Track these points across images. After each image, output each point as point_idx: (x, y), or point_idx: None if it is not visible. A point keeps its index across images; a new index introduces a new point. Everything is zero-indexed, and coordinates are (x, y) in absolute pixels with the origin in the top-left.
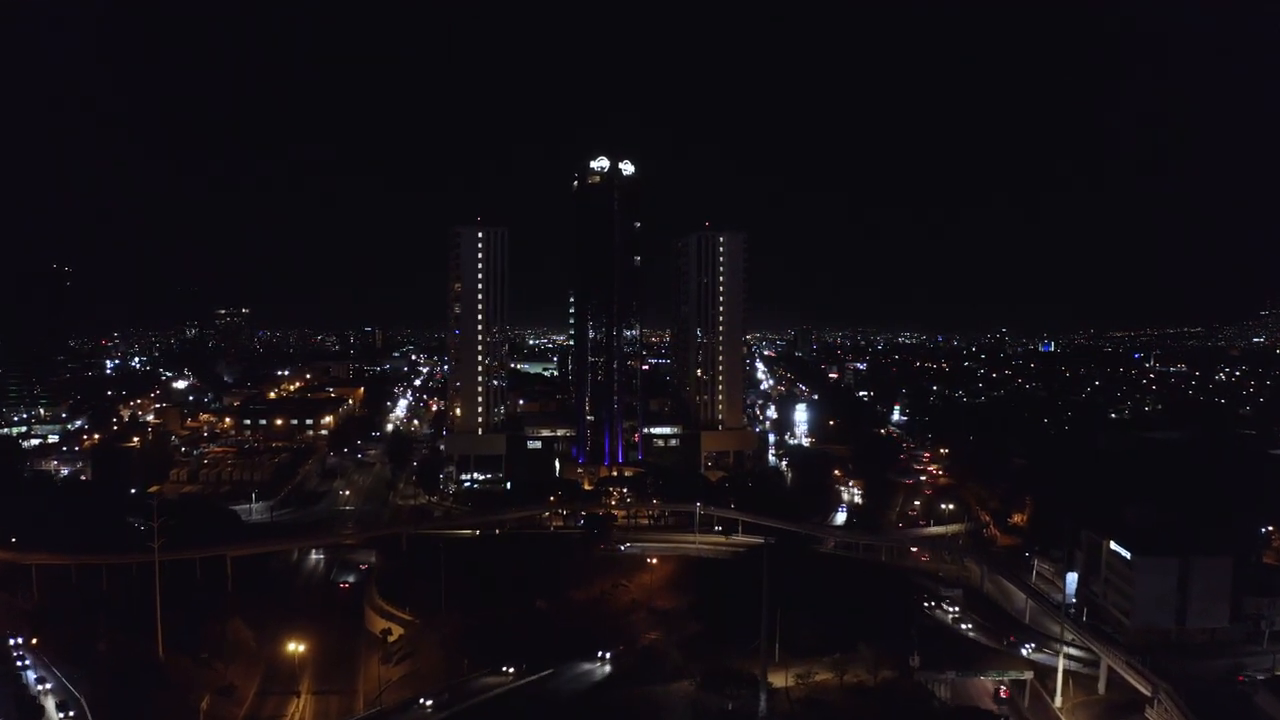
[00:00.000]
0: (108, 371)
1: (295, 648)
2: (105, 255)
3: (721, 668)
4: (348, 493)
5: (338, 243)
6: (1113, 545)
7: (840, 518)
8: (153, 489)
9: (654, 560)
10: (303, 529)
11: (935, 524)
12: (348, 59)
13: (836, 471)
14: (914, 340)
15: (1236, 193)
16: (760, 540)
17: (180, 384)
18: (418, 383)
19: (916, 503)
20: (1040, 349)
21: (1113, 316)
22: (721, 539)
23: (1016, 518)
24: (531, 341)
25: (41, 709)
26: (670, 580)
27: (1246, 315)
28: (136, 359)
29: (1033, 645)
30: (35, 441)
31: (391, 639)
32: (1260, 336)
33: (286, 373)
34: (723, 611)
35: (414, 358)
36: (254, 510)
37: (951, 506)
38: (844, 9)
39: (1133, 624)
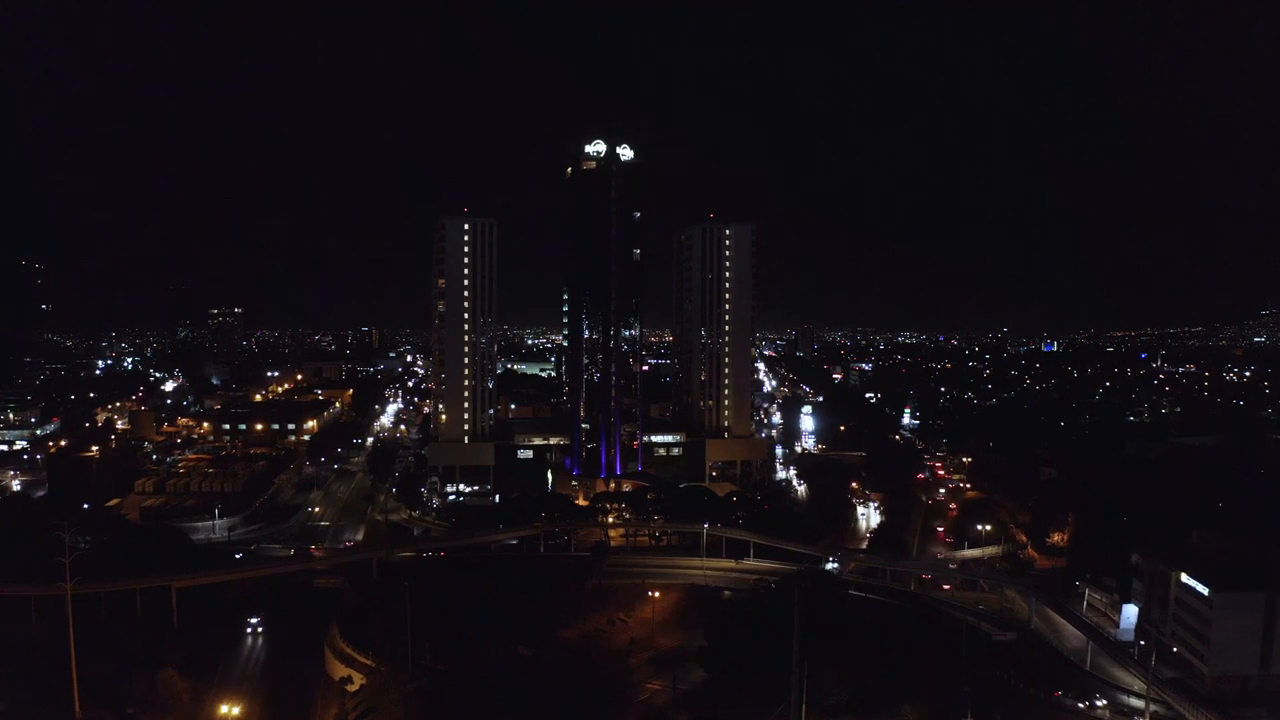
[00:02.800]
0: (97, 372)
1: (229, 710)
2: (106, 255)
3: None
4: (317, 509)
5: (341, 240)
6: (1184, 578)
7: (858, 534)
8: (112, 502)
9: (656, 594)
10: (265, 551)
11: (968, 545)
12: (343, 48)
13: (854, 484)
14: (914, 340)
15: (1234, 192)
16: (775, 565)
17: (169, 385)
18: (411, 384)
19: (942, 521)
20: (1044, 349)
21: (1112, 316)
22: (731, 564)
23: (1056, 537)
24: (530, 341)
25: None
26: (674, 614)
27: (1246, 315)
28: (129, 359)
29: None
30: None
31: (352, 689)
32: (1261, 336)
33: (276, 374)
34: (735, 655)
35: (410, 358)
36: (217, 527)
37: (989, 528)
38: (845, 13)
39: (1211, 670)
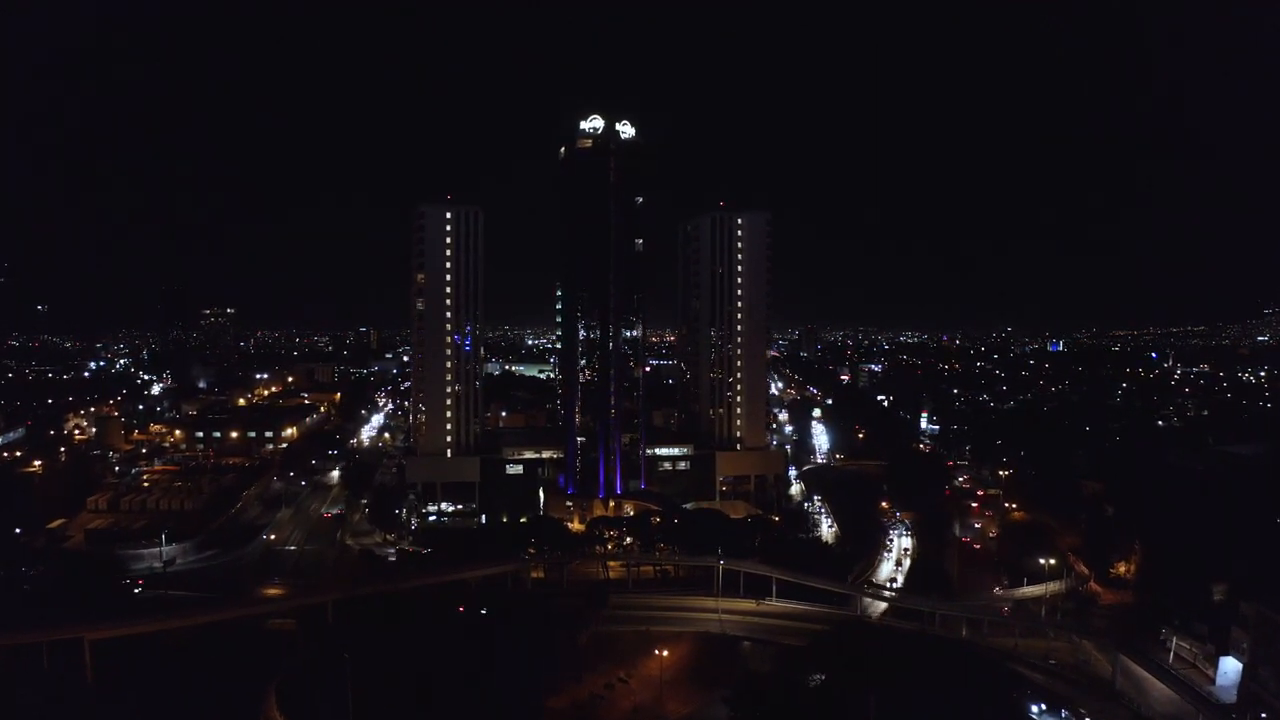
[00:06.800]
0: (85, 374)
1: None
2: (109, 255)
3: None
4: (275, 535)
5: (344, 239)
6: None
7: (890, 564)
8: (55, 523)
9: (665, 653)
10: (210, 588)
11: (1026, 580)
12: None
13: (883, 503)
14: (916, 339)
15: (1234, 189)
16: (802, 607)
17: (155, 389)
18: (404, 387)
19: (984, 547)
20: (1049, 348)
21: (1112, 315)
22: (751, 604)
23: (1121, 567)
24: (530, 341)
25: None
26: (685, 669)
27: (1248, 314)
28: (121, 361)
29: None
30: None
31: None
32: (1265, 335)
33: (264, 376)
34: None
35: (407, 359)
36: (164, 554)
37: (1052, 561)
38: (844, 13)
39: None
